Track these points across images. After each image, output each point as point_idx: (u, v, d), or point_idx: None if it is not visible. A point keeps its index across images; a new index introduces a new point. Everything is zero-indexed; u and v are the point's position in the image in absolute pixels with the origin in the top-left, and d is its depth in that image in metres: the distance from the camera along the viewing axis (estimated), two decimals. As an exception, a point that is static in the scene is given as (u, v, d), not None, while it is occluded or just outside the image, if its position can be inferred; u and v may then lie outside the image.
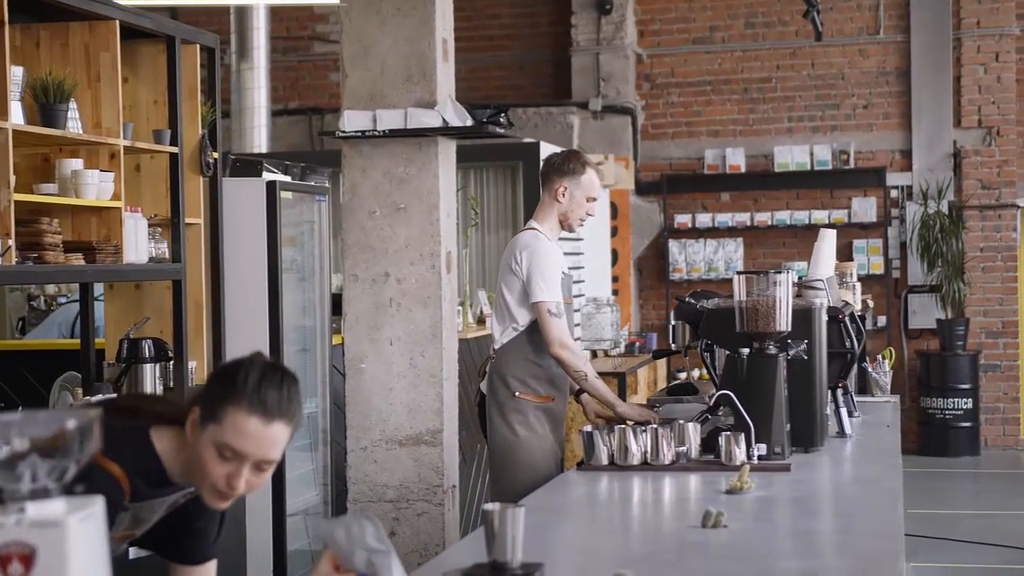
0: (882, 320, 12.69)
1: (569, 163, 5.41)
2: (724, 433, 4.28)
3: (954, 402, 12.34)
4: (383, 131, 5.92)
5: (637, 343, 11.29)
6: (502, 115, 6.26)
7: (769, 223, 12.88)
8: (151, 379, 5.51)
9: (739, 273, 4.51)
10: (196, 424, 2.64)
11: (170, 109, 5.73)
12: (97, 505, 1.80)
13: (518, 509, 2.74)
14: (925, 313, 12.70)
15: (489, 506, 2.73)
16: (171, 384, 5.70)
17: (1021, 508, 10.33)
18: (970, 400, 12.37)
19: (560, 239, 5.30)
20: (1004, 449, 12.65)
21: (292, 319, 6.80)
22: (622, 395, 9.29)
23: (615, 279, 12.49)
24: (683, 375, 12.48)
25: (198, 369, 5.97)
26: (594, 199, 5.44)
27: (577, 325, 10.12)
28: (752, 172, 13.02)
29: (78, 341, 5.91)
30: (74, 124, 5.11)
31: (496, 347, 5.38)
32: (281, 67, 13.48)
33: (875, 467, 4.47)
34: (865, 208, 12.77)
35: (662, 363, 11.47)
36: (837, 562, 3.08)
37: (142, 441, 2.71)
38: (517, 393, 5.29)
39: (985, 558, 8.37)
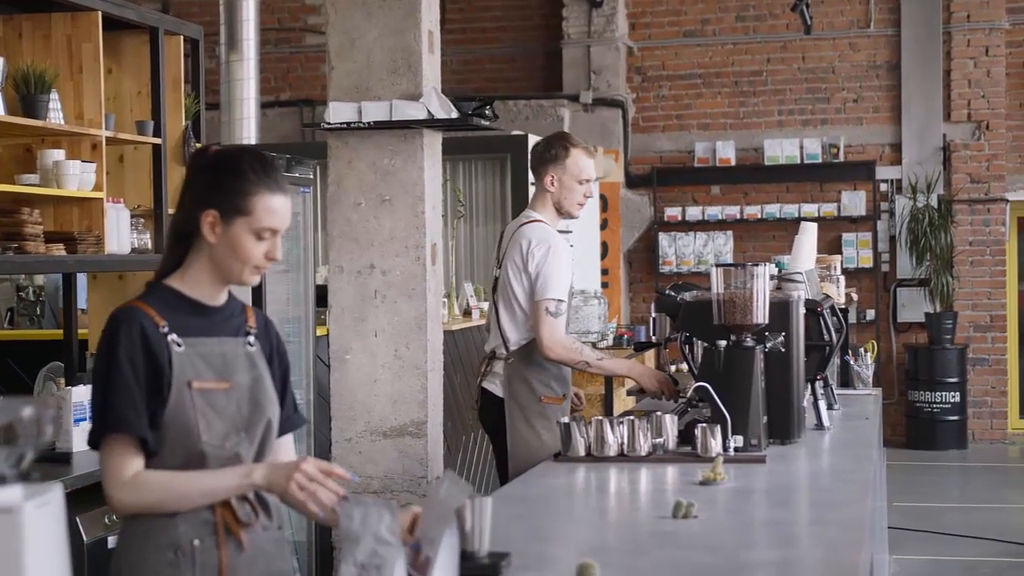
0: (871, 313, 12.72)
1: (551, 149, 5.28)
2: (700, 425, 4.30)
3: (942, 396, 12.37)
4: (368, 123, 5.93)
5: (626, 336, 11.31)
6: (487, 108, 6.27)
7: (759, 216, 12.90)
8: (134, 369, 5.52)
9: (717, 266, 4.52)
10: (217, 224, 2.87)
11: (153, 100, 5.74)
12: (54, 492, 1.82)
13: (485, 499, 2.77)
14: (914, 307, 12.72)
15: (456, 496, 2.75)
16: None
17: (1007, 501, 10.37)
18: (958, 394, 12.40)
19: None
20: (991, 443, 12.69)
21: (276, 310, 6.81)
22: (608, 388, 9.29)
23: (605, 272, 12.51)
24: (673, 367, 12.50)
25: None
26: (587, 180, 5.27)
27: (565, 317, 10.14)
28: (742, 165, 13.04)
29: (61, 332, 5.92)
30: (56, 115, 5.12)
31: (511, 347, 5.21)
32: (273, 58, 13.49)
33: (849, 459, 4.49)
34: (855, 202, 12.79)
35: (651, 355, 11.49)
36: (801, 552, 3.10)
37: (159, 287, 2.93)
38: (543, 398, 5.17)
39: (969, 551, 8.40)
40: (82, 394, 4.91)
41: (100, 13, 5.35)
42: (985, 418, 12.74)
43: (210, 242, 2.88)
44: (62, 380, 5.55)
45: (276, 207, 2.88)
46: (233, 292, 3.04)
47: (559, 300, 5.06)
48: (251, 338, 3.00)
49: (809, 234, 5.64)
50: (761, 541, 3.28)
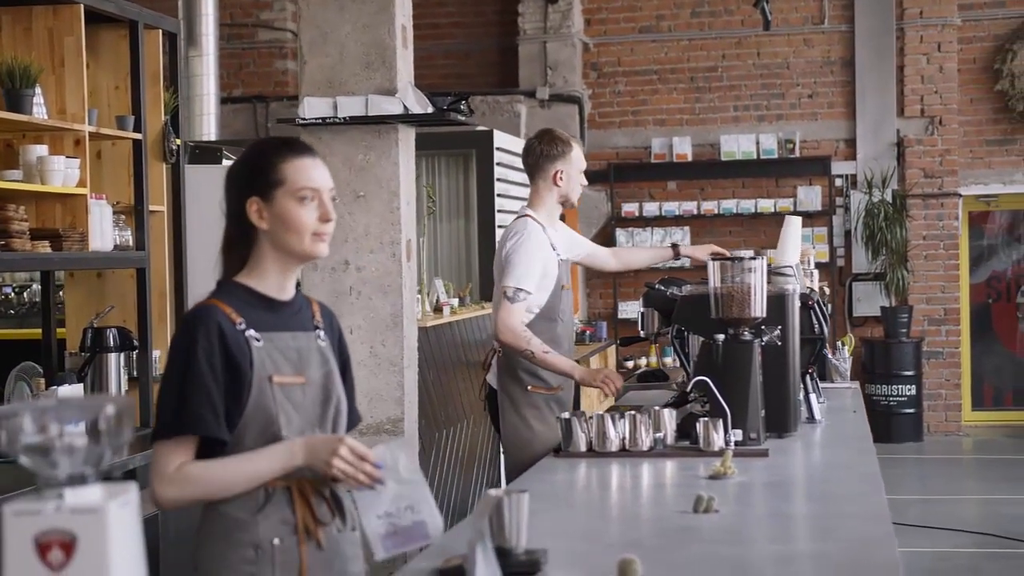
0: (827, 308, 12.78)
1: (556, 146, 5.39)
2: (702, 419, 4.29)
3: (898, 388, 12.48)
4: (343, 118, 5.88)
5: (587, 332, 11.33)
6: (463, 103, 6.24)
7: (716, 212, 12.94)
8: (115, 368, 5.44)
9: (714, 259, 4.51)
10: (262, 208, 2.88)
11: (133, 95, 5.65)
12: (132, 491, 1.78)
13: (523, 495, 2.75)
14: (869, 301, 12.83)
15: (494, 492, 2.73)
16: (135, 373, 5.63)
17: (965, 493, 10.48)
18: (913, 387, 12.51)
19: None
20: (946, 435, 12.81)
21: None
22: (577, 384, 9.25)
23: (563, 268, 12.49)
24: (630, 363, 12.54)
25: (163, 358, 5.90)
26: (583, 169, 5.51)
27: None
28: (699, 161, 13.08)
29: (39, 331, 5.82)
30: (39, 110, 5.03)
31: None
32: (225, 54, 13.34)
33: (849, 452, 4.51)
34: (810, 197, 12.87)
35: (612, 351, 11.52)
36: (833, 545, 3.09)
37: (230, 285, 2.92)
38: (530, 387, 5.23)
39: (935, 542, 8.47)
40: (67, 394, 4.83)
41: (82, 6, 5.25)
42: (940, 411, 12.86)
43: (263, 229, 2.89)
44: (41, 380, 5.44)
45: (306, 167, 2.89)
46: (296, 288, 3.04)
47: (518, 288, 5.13)
48: (321, 332, 2.98)
49: (795, 227, 5.66)
50: (789, 534, 3.27)
